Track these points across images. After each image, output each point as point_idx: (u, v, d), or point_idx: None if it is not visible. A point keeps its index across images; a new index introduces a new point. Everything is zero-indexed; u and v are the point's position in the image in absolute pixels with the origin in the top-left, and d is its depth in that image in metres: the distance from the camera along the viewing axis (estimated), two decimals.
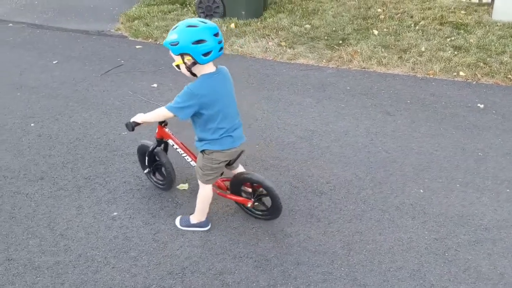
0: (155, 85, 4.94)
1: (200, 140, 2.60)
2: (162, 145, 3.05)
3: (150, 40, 6.22)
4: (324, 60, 5.45)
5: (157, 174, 3.28)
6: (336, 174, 3.45)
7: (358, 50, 5.55)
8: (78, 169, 3.55)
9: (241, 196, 2.93)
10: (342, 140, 3.87)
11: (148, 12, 7.11)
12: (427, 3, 7.06)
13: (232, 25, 6.46)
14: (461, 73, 5.01)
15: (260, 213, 2.97)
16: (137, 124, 2.69)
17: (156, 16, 7.00)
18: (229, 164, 2.74)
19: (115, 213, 3.11)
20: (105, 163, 3.61)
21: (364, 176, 3.42)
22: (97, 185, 3.38)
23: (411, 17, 6.54)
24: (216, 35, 2.33)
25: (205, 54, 2.32)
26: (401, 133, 3.96)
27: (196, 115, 2.47)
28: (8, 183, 3.42)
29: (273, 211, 2.88)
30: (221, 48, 2.37)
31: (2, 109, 4.45)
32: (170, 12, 7.15)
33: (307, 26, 6.42)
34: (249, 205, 2.88)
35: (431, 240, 2.85)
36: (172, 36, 2.33)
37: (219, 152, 2.58)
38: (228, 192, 2.96)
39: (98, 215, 3.09)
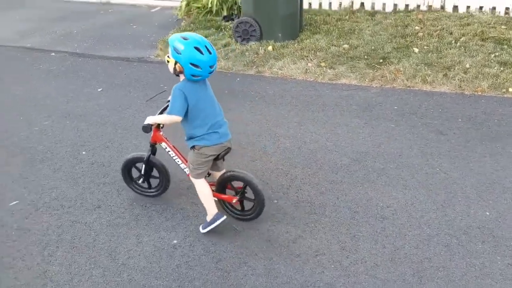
0: None
1: (190, 138, 2.90)
2: (155, 151, 3.24)
3: None
4: (366, 80, 5.40)
5: (145, 183, 3.44)
6: (396, 197, 3.37)
7: (401, 69, 5.49)
8: (133, 196, 3.55)
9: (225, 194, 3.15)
10: (397, 161, 3.80)
11: None
12: (465, 19, 6.97)
13: (270, 48, 6.48)
14: (510, 89, 4.89)
15: (243, 213, 3.17)
16: (152, 125, 2.95)
17: None
18: (217, 158, 2.98)
19: (175, 241, 3.09)
20: None
21: (425, 198, 3.33)
22: (154, 213, 3.37)
23: (451, 33, 6.46)
24: (211, 66, 2.70)
25: (194, 76, 2.71)
26: (457, 153, 3.87)
27: (184, 114, 2.76)
28: (66, 212, 3.44)
29: (257, 207, 3.05)
30: (208, 76, 2.76)
31: (53, 137, 4.51)
32: (207, 37, 7.18)
33: (345, 46, 6.39)
34: (233, 201, 3.08)
35: (504, 265, 2.74)
36: (180, 45, 2.65)
37: (207, 147, 2.88)
38: (213, 191, 3.13)
39: (158, 244, 3.07)
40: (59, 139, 4.50)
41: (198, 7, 8.41)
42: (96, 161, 4.08)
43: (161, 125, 3.11)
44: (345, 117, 4.60)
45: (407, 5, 7.71)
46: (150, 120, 2.95)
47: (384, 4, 7.83)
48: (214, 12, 8.28)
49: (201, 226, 3.14)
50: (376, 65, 5.70)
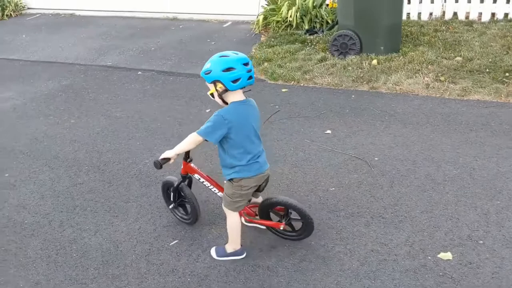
0: (328, 131, 4.55)
1: (228, 167, 2.71)
2: (187, 181, 3.12)
3: (293, 82, 5.89)
4: (502, 96, 4.94)
5: (181, 209, 3.35)
6: None
7: None
8: None
9: (271, 219, 3.03)
10: None
11: (274, 54, 6.82)
12: None
13: (374, 61, 6.07)
14: None
15: (290, 234, 3.05)
16: (166, 161, 2.74)
17: (285, 57, 6.69)
18: (258, 190, 2.85)
19: None
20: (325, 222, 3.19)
21: None
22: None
23: None
24: (246, 64, 2.54)
25: (234, 81, 2.52)
26: None
27: (224, 140, 2.62)
28: None
29: (305, 230, 2.97)
30: (250, 77, 2.56)
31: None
32: (296, 52, 6.84)
33: (458, 58, 5.95)
34: (281, 228, 2.95)
35: None
36: (206, 65, 2.56)
37: (248, 179, 2.71)
38: (257, 217, 3.04)
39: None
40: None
41: (278, 21, 8.05)
42: None
43: (189, 158, 3.02)
44: (501, 138, 4.16)
45: (506, 14, 7.22)
46: (167, 154, 2.75)
47: (480, 14, 7.35)
48: (294, 25, 7.91)
49: (214, 251, 3.04)
50: (504, 80, 5.23)
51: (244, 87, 2.60)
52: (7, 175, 4.24)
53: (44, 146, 4.73)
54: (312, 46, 7.05)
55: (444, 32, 6.98)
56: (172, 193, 3.22)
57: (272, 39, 7.59)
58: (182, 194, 3.19)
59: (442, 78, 5.48)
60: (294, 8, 7.84)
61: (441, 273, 2.74)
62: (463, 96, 5.07)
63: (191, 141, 2.67)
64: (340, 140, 4.38)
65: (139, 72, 6.74)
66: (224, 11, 9.27)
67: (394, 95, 5.26)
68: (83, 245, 3.26)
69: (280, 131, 4.66)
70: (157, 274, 2.93)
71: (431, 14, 7.69)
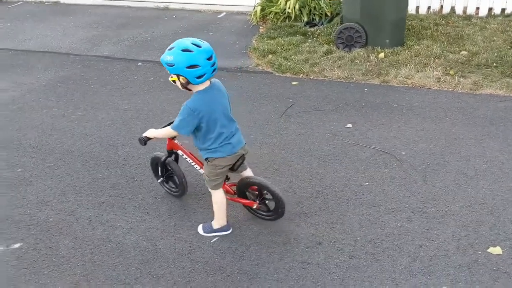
0: (349, 125, 4.52)
1: (202, 149, 2.85)
2: (173, 156, 3.28)
3: (302, 75, 5.83)
4: None
5: (170, 183, 3.50)
6: None
7: None
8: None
9: (247, 198, 3.15)
10: None
11: (277, 46, 6.74)
12: None
13: (381, 55, 6.07)
14: None
15: (265, 214, 3.17)
16: (149, 138, 2.94)
17: (288, 49, 6.62)
18: (232, 168, 2.93)
19: None
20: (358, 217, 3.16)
21: None
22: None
23: None
24: (209, 58, 2.56)
25: (198, 77, 2.57)
26: None
27: (196, 129, 2.73)
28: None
29: (277, 213, 3.07)
30: (214, 70, 2.62)
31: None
32: (300, 45, 6.78)
33: (464, 52, 6.01)
34: (254, 206, 3.08)
35: None
36: (168, 57, 2.57)
37: (221, 159, 2.82)
38: (235, 195, 3.16)
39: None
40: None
41: (276, 13, 7.96)
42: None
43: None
44: None
45: (503, 9, 7.33)
46: (150, 133, 2.95)
47: (477, 8, 7.45)
48: (293, 17, 7.84)
49: (201, 228, 3.15)
50: None
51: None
52: (20, 170, 4.05)
53: (54, 139, 4.53)
54: (314, 38, 6.99)
55: (445, 26, 7.03)
56: (160, 168, 3.36)
57: (272, 31, 7.49)
58: (169, 168, 3.35)
59: (451, 72, 5.52)
60: (292, 0, 7.74)
61: (494, 268, 2.74)
62: (475, 90, 5.11)
63: (168, 133, 2.85)
64: (362, 134, 4.35)
65: (139, 63, 6.55)
66: (218, 1, 9.10)
67: (406, 89, 5.26)
68: (118, 243, 3.13)
69: (299, 125, 4.59)
70: (203, 273, 2.84)
71: (429, 8, 7.73)
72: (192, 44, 2.55)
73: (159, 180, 3.49)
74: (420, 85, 5.33)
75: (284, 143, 4.27)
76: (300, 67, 5.97)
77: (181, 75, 2.58)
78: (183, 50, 2.53)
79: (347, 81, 5.59)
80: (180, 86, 2.68)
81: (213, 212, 3.11)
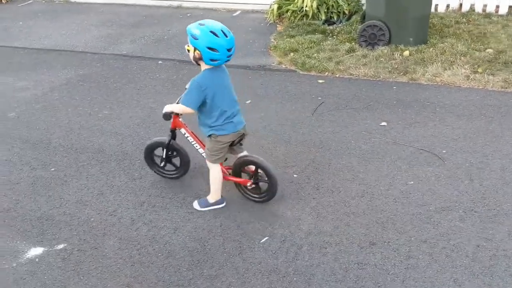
0: (384, 123, 4.45)
1: (206, 126, 3.03)
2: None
3: (327, 73, 5.76)
4: None
5: (168, 165, 3.57)
6: None
7: None
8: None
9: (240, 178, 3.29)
10: None
11: (298, 44, 6.68)
12: None
13: (406, 53, 6.02)
14: None
15: (257, 196, 3.31)
16: (171, 112, 3.09)
17: (310, 47, 6.56)
18: (232, 144, 3.14)
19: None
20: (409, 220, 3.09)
21: None
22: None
23: None
24: (229, 50, 2.78)
25: (213, 60, 2.79)
26: None
27: (201, 104, 2.91)
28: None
29: (270, 192, 3.21)
30: (227, 60, 2.83)
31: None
32: (320, 43, 6.72)
33: (490, 50, 5.96)
34: (248, 184, 3.23)
35: None
36: (196, 31, 2.75)
37: (223, 136, 3.04)
38: (230, 176, 3.31)
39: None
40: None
41: (293, 11, 7.90)
42: (302, 182, 3.53)
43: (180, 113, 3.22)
44: None
45: None
46: (169, 108, 3.07)
47: (497, 6, 7.40)
48: (310, 15, 7.78)
49: (197, 203, 3.33)
50: None
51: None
52: (53, 169, 3.97)
53: (83, 138, 4.45)
54: (334, 36, 6.93)
55: (466, 24, 6.98)
56: (164, 150, 3.44)
57: (290, 29, 7.43)
58: (176, 147, 3.43)
59: (479, 70, 5.46)
60: None
61: None
62: (506, 88, 5.06)
63: (181, 108, 3.00)
64: (399, 132, 4.29)
65: (160, 62, 6.48)
66: (232, 0, 9.02)
67: (436, 87, 5.20)
68: (165, 244, 3.06)
69: (332, 123, 4.53)
70: (258, 274, 2.77)
71: (448, 6, 7.68)
72: (221, 31, 2.75)
73: (161, 164, 3.56)
74: (450, 83, 5.27)
75: (320, 142, 4.20)
76: (325, 65, 5.91)
77: (199, 50, 2.75)
78: (211, 32, 2.73)
79: (374, 79, 5.53)
80: (191, 58, 2.87)
81: (209, 188, 3.31)
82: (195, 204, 3.34)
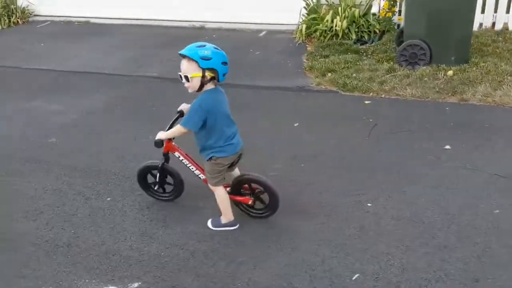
0: (448, 147, 4.27)
1: (206, 149, 3.03)
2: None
3: (371, 94, 5.59)
4: None
5: (160, 189, 3.56)
6: None
7: None
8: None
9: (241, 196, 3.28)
10: None
11: (333, 64, 6.53)
12: None
13: (450, 72, 5.88)
14: None
15: (259, 211, 3.32)
16: (162, 140, 3.09)
17: (346, 67, 6.41)
18: (231, 165, 3.17)
19: None
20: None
21: None
22: None
23: None
24: (225, 63, 2.87)
25: (225, 75, 2.87)
26: None
27: (202, 126, 2.91)
28: None
29: (271, 207, 3.24)
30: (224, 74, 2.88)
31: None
32: (357, 63, 6.57)
33: None
34: (249, 202, 3.24)
35: None
36: (205, 51, 2.76)
37: (223, 158, 3.04)
38: (230, 194, 3.27)
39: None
40: (325, 189, 3.74)
41: (323, 30, 7.77)
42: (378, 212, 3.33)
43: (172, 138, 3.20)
44: None
45: None
46: (162, 135, 3.09)
47: None
48: (340, 35, 7.65)
49: (210, 222, 3.31)
50: None
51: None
52: (109, 199, 3.76)
53: (134, 165, 4.21)
54: (369, 56, 6.78)
55: (504, 42, 6.86)
56: (158, 173, 3.42)
57: (321, 49, 7.29)
58: (169, 171, 3.41)
59: None
60: (339, 17, 7.56)
61: None
62: None
63: (179, 131, 3.03)
64: (465, 156, 4.12)
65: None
66: (256, 20, 8.92)
67: (490, 108, 5.05)
68: (247, 281, 2.84)
69: (391, 147, 4.35)
70: None
71: (481, 24, 7.57)
72: (213, 47, 2.82)
73: (155, 187, 3.55)
74: (503, 103, 5.12)
75: (385, 167, 4.02)
76: (368, 86, 5.75)
77: (213, 70, 2.79)
78: (215, 49, 2.80)
79: (423, 99, 5.37)
80: (197, 83, 2.84)
81: (219, 209, 3.26)
82: (209, 223, 3.33)
